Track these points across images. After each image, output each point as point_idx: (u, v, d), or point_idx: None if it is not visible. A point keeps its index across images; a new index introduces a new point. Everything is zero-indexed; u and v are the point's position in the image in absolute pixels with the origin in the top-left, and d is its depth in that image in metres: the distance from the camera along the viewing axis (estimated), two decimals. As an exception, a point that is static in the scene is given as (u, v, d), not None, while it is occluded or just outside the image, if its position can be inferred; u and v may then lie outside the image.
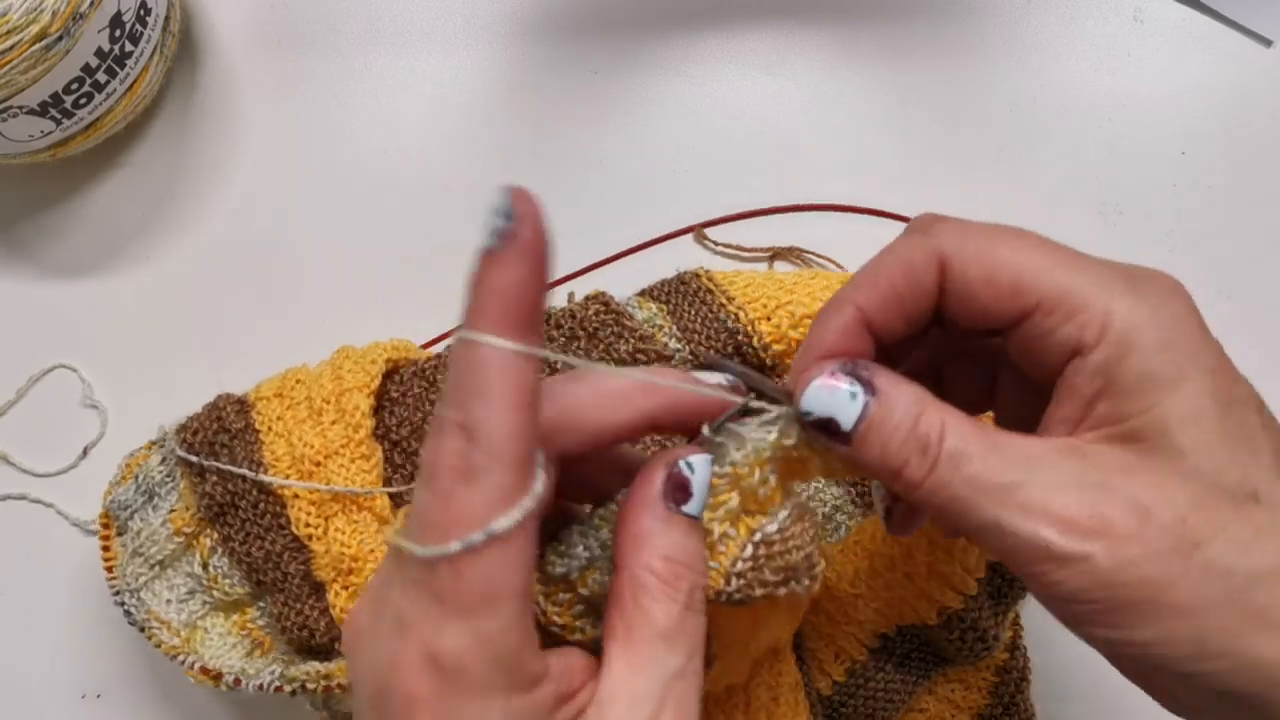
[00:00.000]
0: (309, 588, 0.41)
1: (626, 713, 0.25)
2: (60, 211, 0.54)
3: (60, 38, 0.44)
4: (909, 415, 0.27)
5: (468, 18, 0.56)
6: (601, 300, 0.44)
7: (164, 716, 0.49)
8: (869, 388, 0.27)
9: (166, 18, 0.51)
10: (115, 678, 0.49)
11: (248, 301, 0.52)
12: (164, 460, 0.44)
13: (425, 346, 0.50)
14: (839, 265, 0.51)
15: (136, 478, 0.44)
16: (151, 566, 0.43)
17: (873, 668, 0.44)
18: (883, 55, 0.55)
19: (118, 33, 0.47)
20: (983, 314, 0.28)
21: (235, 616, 0.43)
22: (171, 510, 0.43)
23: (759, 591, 0.28)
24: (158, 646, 0.42)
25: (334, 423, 0.42)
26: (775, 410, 0.28)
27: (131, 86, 0.50)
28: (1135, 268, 0.27)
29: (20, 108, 0.46)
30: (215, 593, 0.43)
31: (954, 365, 0.33)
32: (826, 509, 0.45)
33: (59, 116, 0.48)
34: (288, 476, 0.41)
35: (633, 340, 0.43)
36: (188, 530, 0.43)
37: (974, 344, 0.31)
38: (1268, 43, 0.55)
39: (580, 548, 0.28)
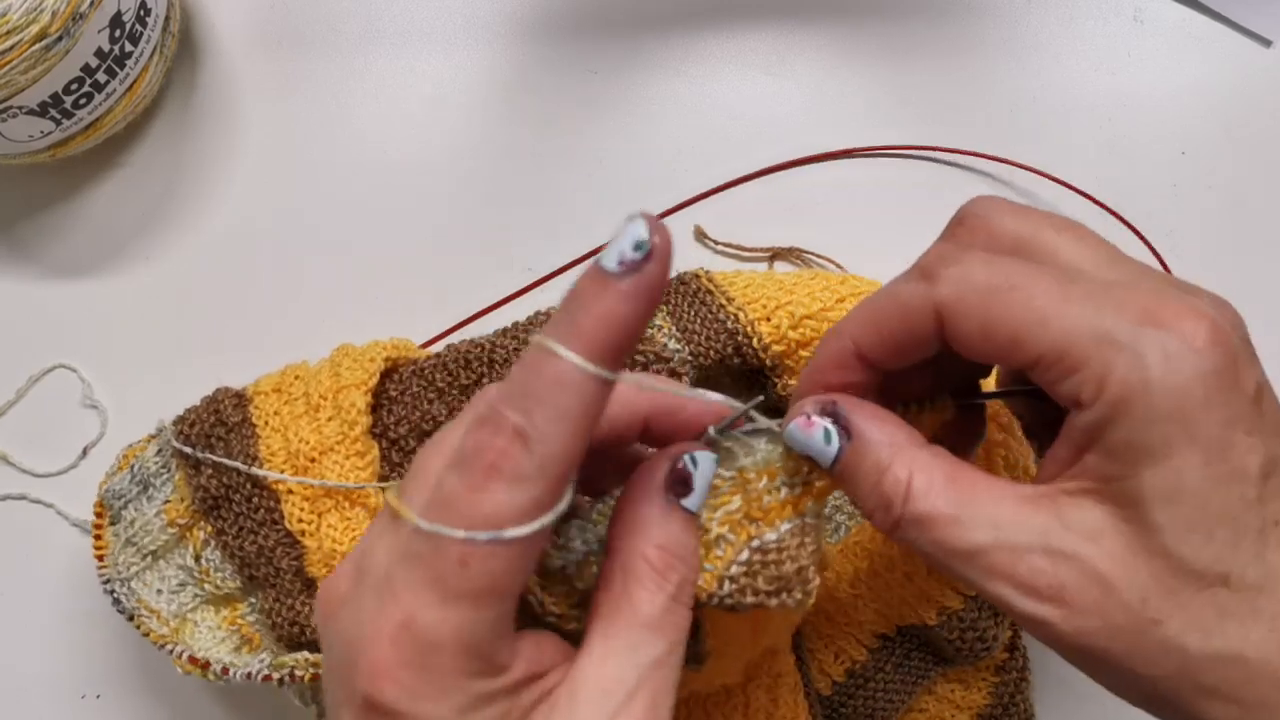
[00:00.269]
0: (300, 584, 0.41)
1: (599, 697, 0.25)
2: (60, 211, 0.54)
3: (60, 38, 0.44)
4: (875, 468, 0.27)
5: (468, 18, 0.56)
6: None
7: (164, 717, 0.49)
8: (844, 430, 0.27)
9: (166, 18, 0.51)
10: (115, 678, 0.49)
11: (248, 301, 0.52)
12: (160, 451, 0.44)
13: (424, 345, 0.50)
14: (839, 265, 0.51)
15: (132, 467, 0.44)
16: (144, 557, 0.43)
17: (872, 668, 0.44)
18: (883, 55, 0.55)
19: (117, 33, 0.47)
20: (986, 360, 0.27)
21: (225, 611, 0.43)
22: (166, 501, 0.43)
23: (750, 599, 0.28)
24: (146, 635, 0.42)
25: (330, 419, 0.42)
26: (773, 424, 0.29)
27: (131, 86, 0.50)
28: (1161, 301, 0.25)
29: (20, 108, 0.46)
30: (207, 586, 0.43)
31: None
32: (827, 509, 0.45)
33: (59, 116, 0.48)
34: (283, 471, 0.41)
35: None
36: (181, 522, 0.43)
37: None
38: (1268, 43, 0.55)
39: (578, 542, 0.28)
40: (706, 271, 0.45)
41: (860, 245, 0.51)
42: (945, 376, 0.31)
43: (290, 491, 0.41)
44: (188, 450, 0.42)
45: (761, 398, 0.30)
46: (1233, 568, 0.24)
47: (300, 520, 0.41)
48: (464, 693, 0.24)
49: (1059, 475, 0.26)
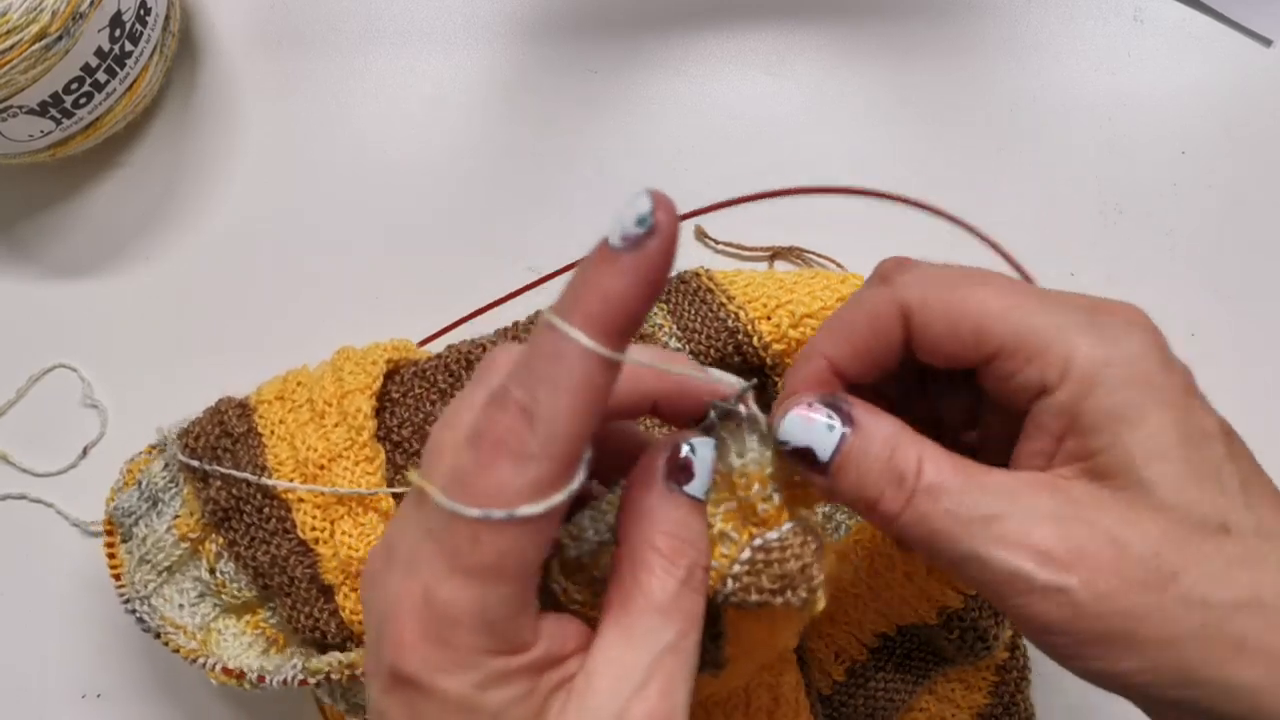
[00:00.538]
0: (317, 590, 0.41)
1: (613, 684, 0.25)
2: (60, 211, 0.54)
3: (60, 37, 0.44)
4: (885, 447, 0.27)
5: (468, 18, 0.56)
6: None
7: (164, 716, 0.49)
8: (847, 419, 0.27)
9: (166, 17, 0.51)
10: (115, 678, 0.49)
11: (248, 301, 0.52)
12: (166, 466, 0.43)
13: (423, 343, 0.50)
14: (839, 265, 0.51)
15: (139, 484, 0.44)
16: (159, 573, 0.43)
17: (873, 667, 0.44)
18: (883, 55, 0.55)
19: (117, 32, 0.47)
20: (950, 359, 0.28)
21: (247, 617, 0.43)
22: (176, 516, 0.43)
23: (755, 598, 0.28)
24: (176, 651, 0.42)
25: (337, 425, 0.41)
26: (763, 418, 0.29)
27: (131, 86, 0.50)
28: (1096, 301, 0.28)
29: (20, 107, 0.46)
30: (224, 596, 0.43)
31: (940, 388, 0.33)
32: (827, 508, 0.45)
33: (59, 116, 0.48)
34: (292, 480, 0.41)
35: (632, 340, 0.43)
36: (193, 536, 0.42)
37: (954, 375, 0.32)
38: (1268, 43, 0.55)
39: (590, 532, 0.28)
40: (707, 270, 0.45)
41: (860, 246, 0.51)
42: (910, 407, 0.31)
43: (301, 500, 0.41)
44: (195, 464, 0.42)
45: (755, 381, 0.30)
46: (1229, 516, 0.25)
47: (313, 528, 0.41)
48: (482, 669, 0.24)
49: (1043, 468, 0.27)
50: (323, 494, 0.41)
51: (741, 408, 0.29)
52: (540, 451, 0.23)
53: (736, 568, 0.28)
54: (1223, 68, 0.55)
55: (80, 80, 0.47)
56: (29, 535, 0.51)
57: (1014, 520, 0.25)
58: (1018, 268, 0.51)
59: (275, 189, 0.54)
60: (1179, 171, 0.53)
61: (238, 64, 0.55)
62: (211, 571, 0.43)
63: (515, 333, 0.44)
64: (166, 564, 0.43)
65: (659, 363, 0.29)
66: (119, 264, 0.53)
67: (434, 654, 0.24)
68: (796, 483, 0.29)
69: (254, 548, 0.41)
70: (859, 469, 0.27)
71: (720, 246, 0.52)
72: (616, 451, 0.30)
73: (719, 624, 0.30)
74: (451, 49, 0.55)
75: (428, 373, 0.44)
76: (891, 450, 0.27)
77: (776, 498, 0.28)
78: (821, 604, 0.28)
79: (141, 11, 0.48)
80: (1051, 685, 0.47)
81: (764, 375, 0.44)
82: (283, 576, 0.41)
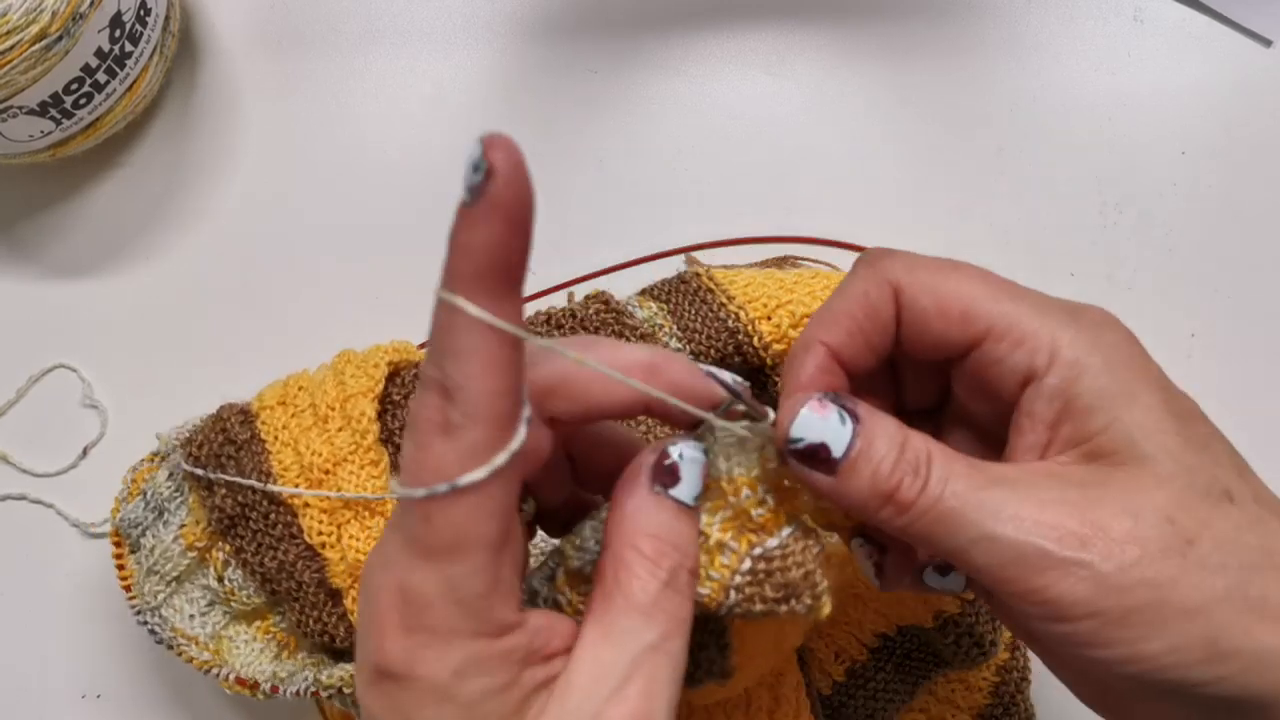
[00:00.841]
0: (325, 595, 0.41)
1: (591, 683, 0.25)
2: (60, 211, 0.54)
3: (60, 38, 0.44)
4: (896, 440, 0.27)
5: (467, 18, 0.56)
6: (602, 299, 0.44)
7: (164, 716, 0.49)
8: (854, 416, 0.27)
9: (166, 17, 0.51)
10: (115, 678, 0.49)
11: (248, 301, 0.52)
12: (171, 475, 0.43)
13: (423, 346, 0.50)
14: (834, 268, 0.51)
15: (145, 494, 0.44)
16: (168, 583, 0.43)
17: (873, 668, 0.44)
18: (883, 55, 0.55)
19: (117, 33, 0.47)
20: (936, 343, 0.28)
21: (258, 623, 0.43)
22: (182, 526, 0.43)
23: (759, 607, 0.27)
24: (189, 662, 0.42)
25: (340, 430, 0.41)
26: (763, 424, 0.28)
27: (131, 86, 0.50)
28: (1070, 301, 0.28)
29: (20, 108, 0.46)
30: (234, 604, 0.42)
31: (908, 387, 0.33)
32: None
33: (59, 116, 0.48)
34: (297, 485, 0.41)
35: (633, 339, 0.43)
36: (200, 545, 0.42)
37: (931, 382, 0.32)
38: (1268, 43, 0.55)
39: (591, 541, 0.28)
40: (707, 270, 0.45)
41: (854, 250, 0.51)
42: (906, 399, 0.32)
43: (307, 505, 0.41)
44: (199, 472, 0.42)
45: (748, 383, 0.30)
46: (1229, 485, 0.25)
47: (320, 533, 0.41)
48: (460, 651, 0.24)
49: (1040, 457, 0.27)
50: (329, 499, 0.41)
51: (740, 407, 0.28)
52: (464, 420, 0.23)
53: (738, 579, 0.27)
54: (1222, 68, 0.55)
55: (80, 80, 0.47)
56: (29, 535, 0.51)
57: (1026, 503, 0.25)
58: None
59: (275, 189, 0.54)
60: (1179, 171, 0.53)
61: (238, 64, 0.55)
62: (220, 579, 0.42)
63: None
64: (174, 574, 0.43)
65: (655, 359, 0.29)
66: (119, 264, 0.53)
67: (411, 642, 0.24)
68: (785, 488, 0.28)
69: (261, 554, 0.41)
70: (872, 462, 0.27)
71: (713, 269, 0.52)
72: (613, 458, 0.30)
73: (726, 635, 0.30)
74: (451, 49, 0.55)
75: (428, 374, 0.44)
76: (902, 441, 0.27)
77: (770, 500, 0.28)
78: (828, 609, 0.28)
79: (141, 12, 0.48)
80: (1052, 685, 0.47)
81: (764, 375, 0.44)
82: (291, 582, 0.41)
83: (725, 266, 0.51)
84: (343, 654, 0.41)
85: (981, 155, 0.53)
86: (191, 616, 0.43)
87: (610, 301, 0.44)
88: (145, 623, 0.43)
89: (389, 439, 0.43)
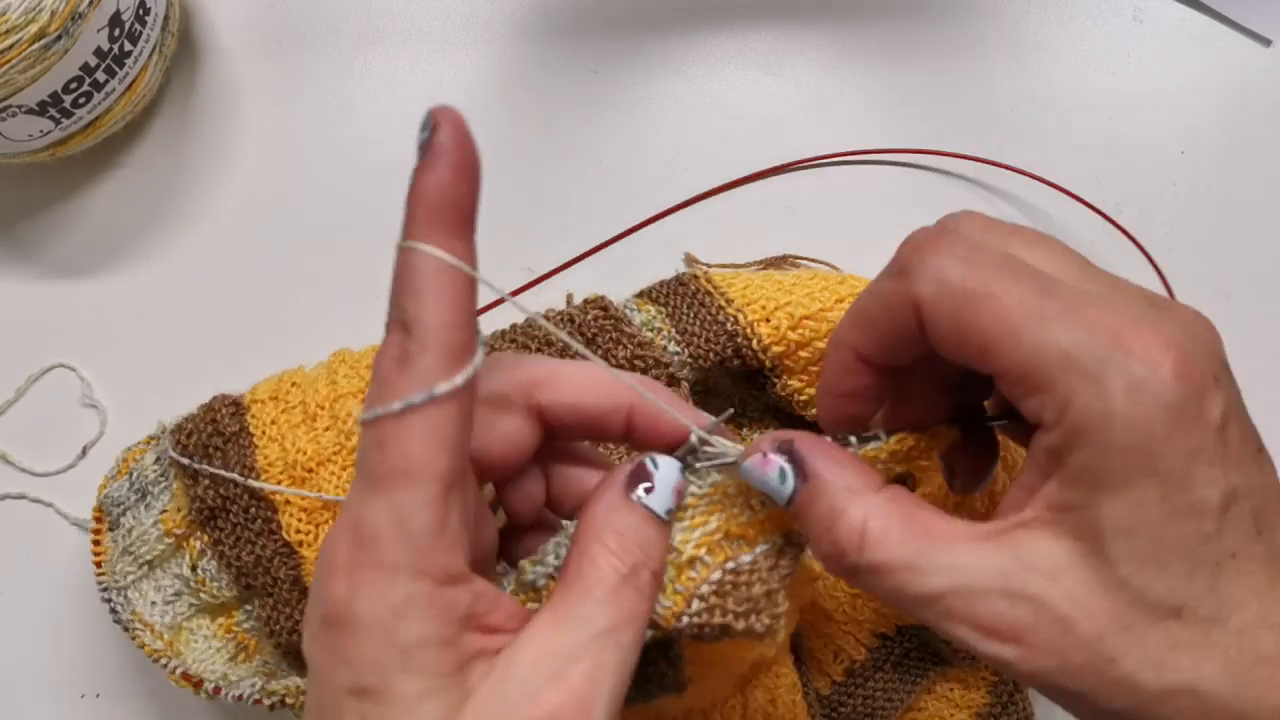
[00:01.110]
0: (299, 593, 0.41)
1: (536, 661, 0.25)
2: (60, 211, 0.54)
3: (59, 37, 0.44)
4: (829, 513, 0.27)
5: (467, 18, 0.56)
6: (600, 305, 0.44)
7: (164, 716, 0.49)
8: (801, 471, 0.27)
9: (166, 17, 0.51)
10: (115, 678, 0.49)
11: (247, 301, 0.52)
12: (158, 459, 0.43)
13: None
14: (834, 268, 0.51)
15: (131, 475, 0.44)
16: (140, 566, 0.43)
17: (871, 668, 0.44)
18: (883, 55, 0.55)
19: (117, 32, 0.47)
20: (960, 362, 0.27)
21: (221, 619, 0.43)
22: (163, 511, 0.43)
23: (718, 619, 0.28)
24: (141, 648, 0.42)
25: (327, 429, 0.41)
26: (736, 448, 0.29)
27: (131, 86, 0.50)
28: (1136, 325, 0.24)
29: (19, 107, 0.46)
30: (203, 595, 0.42)
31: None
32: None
33: (58, 116, 0.48)
34: (280, 482, 0.41)
35: (631, 346, 0.43)
36: (178, 532, 0.42)
37: None
38: (1267, 43, 0.55)
39: (551, 556, 0.28)
40: (705, 272, 0.45)
41: (853, 249, 0.50)
42: (950, 388, 0.31)
43: (287, 502, 0.41)
44: (185, 461, 0.42)
45: (731, 410, 0.30)
46: (1186, 600, 0.24)
47: (298, 531, 0.41)
48: (402, 591, 0.24)
49: (1025, 501, 0.26)
50: (309, 498, 0.41)
51: (722, 442, 0.29)
52: (418, 349, 0.24)
53: (705, 588, 0.28)
54: (1222, 68, 0.55)
55: (79, 80, 0.47)
56: (29, 535, 0.51)
57: (958, 598, 0.25)
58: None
59: (275, 189, 0.54)
60: (1179, 171, 0.53)
61: (237, 64, 0.55)
62: (193, 569, 0.43)
63: (514, 335, 0.44)
64: (148, 557, 0.43)
65: (643, 389, 0.30)
66: (119, 264, 0.53)
67: (358, 577, 0.24)
68: (764, 505, 0.29)
69: (238, 548, 0.41)
70: (806, 527, 0.27)
71: (712, 269, 0.52)
72: (586, 481, 0.31)
73: (675, 646, 0.30)
74: (451, 49, 0.55)
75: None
76: (834, 520, 0.27)
77: (761, 508, 0.28)
78: (781, 636, 0.28)
79: (141, 11, 0.48)
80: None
81: (764, 377, 0.44)
82: (266, 577, 0.41)
83: (723, 266, 0.51)
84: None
85: (981, 155, 0.53)
86: (154, 604, 0.43)
87: (608, 307, 0.44)
88: (109, 600, 0.43)
89: None
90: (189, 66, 0.55)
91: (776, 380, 0.43)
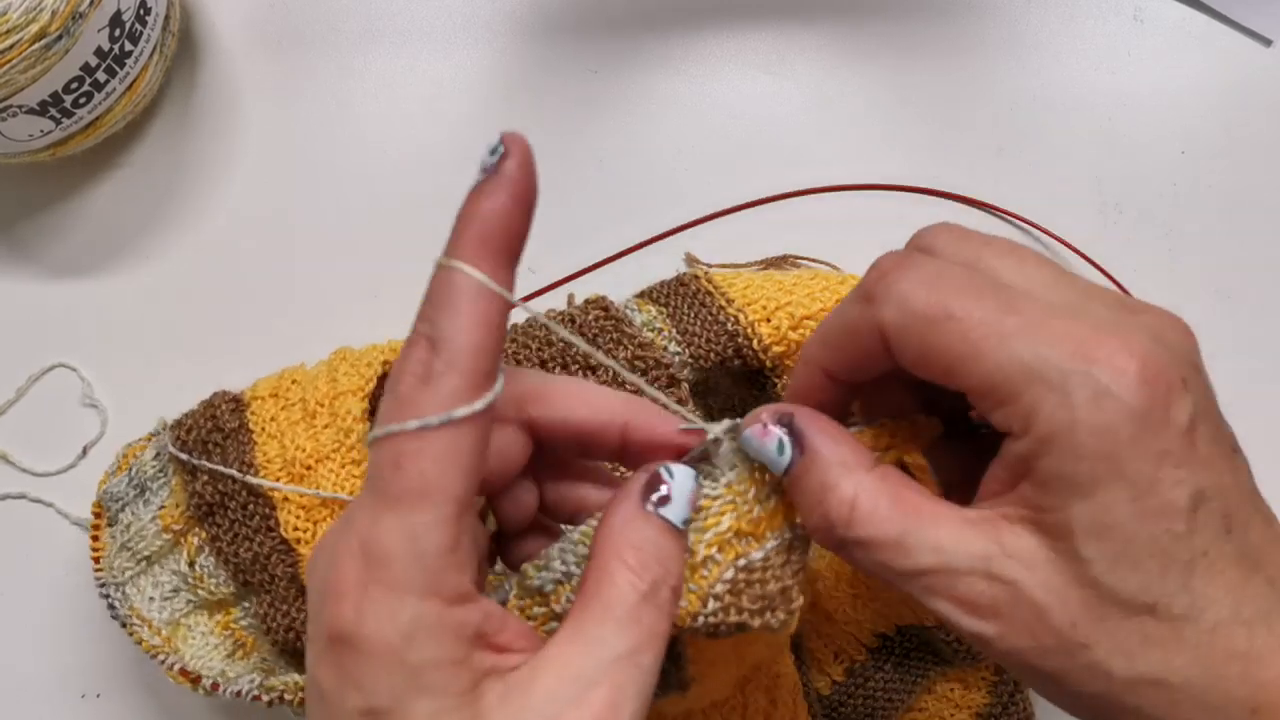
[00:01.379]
0: (295, 590, 0.41)
1: (556, 684, 0.25)
2: (60, 211, 0.54)
3: (60, 37, 0.44)
4: (822, 487, 0.27)
5: (467, 17, 0.56)
6: (601, 306, 0.44)
7: (164, 716, 0.49)
8: (799, 443, 0.27)
9: (166, 17, 0.51)
10: (115, 678, 0.49)
11: (247, 301, 0.52)
12: (158, 455, 0.43)
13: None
14: (834, 267, 0.51)
15: (130, 470, 0.44)
16: (138, 561, 0.43)
17: (872, 668, 0.44)
18: (883, 55, 0.55)
19: (117, 32, 0.47)
20: (930, 380, 0.27)
21: (219, 616, 0.43)
22: (161, 507, 0.43)
23: (734, 618, 0.28)
24: (138, 644, 0.42)
25: (326, 426, 0.41)
26: (732, 423, 0.29)
27: (131, 86, 0.50)
28: (1101, 334, 0.25)
29: (20, 107, 0.46)
30: (200, 591, 0.42)
31: None
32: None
33: (58, 116, 0.48)
34: (278, 479, 0.41)
35: (632, 347, 0.43)
36: (176, 528, 0.42)
37: None
38: (1268, 42, 0.55)
39: (557, 562, 0.28)
40: (706, 272, 0.45)
41: (853, 249, 0.50)
42: (928, 401, 0.31)
43: (286, 499, 0.41)
44: (184, 457, 0.42)
45: (732, 422, 0.30)
46: (1159, 598, 0.24)
47: (296, 528, 0.41)
48: (411, 611, 0.24)
49: (996, 497, 0.26)
50: (307, 495, 0.41)
51: (727, 442, 0.29)
52: (445, 368, 0.24)
53: (719, 587, 0.27)
54: (1222, 68, 0.55)
55: (80, 80, 0.47)
56: (29, 535, 0.51)
57: (942, 575, 0.26)
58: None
59: (275, 189, 0.54)
60: (1179, 171, 0.53)
61: (238, 64, 0.55)
62: (191, 565, 0.43)
63: (514, 335, 0.44)
64: (146, 553, 0.43)
65: (646, 389, 0.30)
66: (119, 264, 0.53)
67: (366, 599, 0.24)
68: (776, 499, 0.29)
69: (236, 544, 0.41)
70: (799, 499, 0.28)
71: (712, 269, 0.52)
72: (579, 487, 0.31)
73: (678, 645, 0.30)
74: (451, 49, 0.55)
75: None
76: (825, 493, 0.27)
77: (773, 500, 0.28)
78: (793, 627, 0.28)
79: (141, 11, 0.48)
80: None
81: (764, 378, 0.44)
82: (263, 574, 0.41)
83: (723, 266, 0.51)
84: (303, 654, 0.41)
85: (981, 155, 0.53)
86: (152, 599, 0.43)
87: (609, 308, 0.44)
88: (107, 596, 0.43)
89: None
90: (189, 66, 0.55)
91: (777, 380, 0.43)
